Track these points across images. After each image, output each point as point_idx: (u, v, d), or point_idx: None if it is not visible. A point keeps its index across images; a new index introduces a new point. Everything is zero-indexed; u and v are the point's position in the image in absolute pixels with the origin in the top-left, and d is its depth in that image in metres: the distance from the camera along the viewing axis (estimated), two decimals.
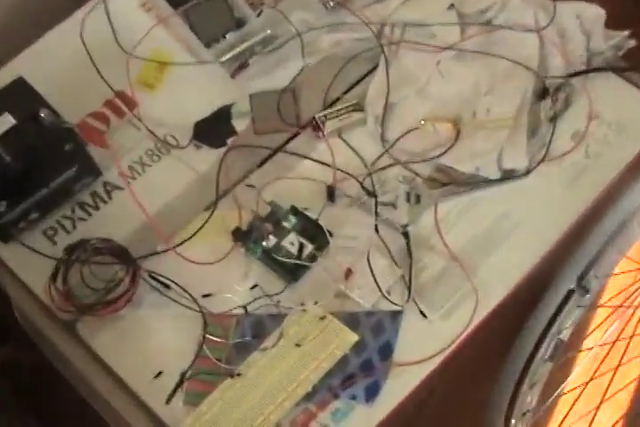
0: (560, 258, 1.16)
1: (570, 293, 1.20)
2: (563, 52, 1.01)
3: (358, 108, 0.99)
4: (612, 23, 1.05)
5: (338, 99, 1.01)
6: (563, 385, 1.24)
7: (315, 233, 0.90)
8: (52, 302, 0.86)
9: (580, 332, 1.29)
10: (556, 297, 1.22)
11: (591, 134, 1.00)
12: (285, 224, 0.91)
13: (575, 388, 1.26)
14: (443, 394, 1.14)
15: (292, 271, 0.89)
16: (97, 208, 0.94)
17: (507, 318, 1.01)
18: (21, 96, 0.82)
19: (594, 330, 1.29)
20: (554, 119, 0.99)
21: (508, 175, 0.96)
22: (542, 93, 0.99)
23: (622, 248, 1.21)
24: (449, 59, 1.01)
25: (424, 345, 0.89)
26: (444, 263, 0.93)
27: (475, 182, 0.96)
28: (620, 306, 1.23)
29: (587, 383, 1.26)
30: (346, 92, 1.01)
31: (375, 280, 0.88)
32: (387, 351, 0.88)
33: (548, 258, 0.95)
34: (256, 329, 0.88)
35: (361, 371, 0.87)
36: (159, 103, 0.99)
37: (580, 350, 1.30)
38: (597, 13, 1.04)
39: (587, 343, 1.31)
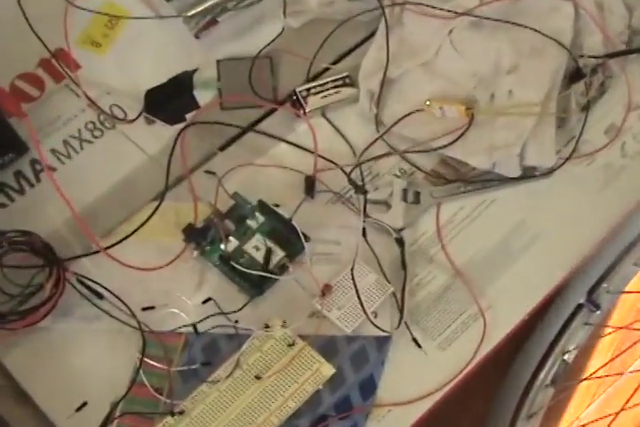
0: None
1: (578, 308, 1.07)
2: (601, 28, 0.86)
3: (349, 82, 0.85)
4: None
5: (325, 70, 0.86)
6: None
7: (287, 236, 0.75)
8: None
9: (585, 355, 1.18)
10: (562, 312, 1.09)
11: (629, 129, 0.87)
12: (250, 223, 0.76)
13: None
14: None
15: (255, 283, 0.74)
16: (21, 192, 0.79)
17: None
18: None
19: (618, 355, 1.18)
20: (586, 108, 0.85)
21: (527, 174, 0.82)
22: (574, 76, 0.85)
23: None
24: (464, 27, 0.85)
25: (416, 381, 0.75)
26: (446, 279, 0.79)
27: (487, 181, 0.82)
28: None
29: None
30: (335, 63, 0.87)
31: (359, 299, 0.73)
32: (369, 388, 0.74)
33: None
34: (207, 353, 0.73)
35: (336, 412, 0.73)
36: (106, 66, 0.85)
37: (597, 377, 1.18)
38: None
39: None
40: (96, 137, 0.81)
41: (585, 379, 1.19)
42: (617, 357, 1.19)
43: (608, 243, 1.02)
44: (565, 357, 1.07)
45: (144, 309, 0.73)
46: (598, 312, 1.04)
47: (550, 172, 0.82)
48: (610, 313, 1.19)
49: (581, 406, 1.19)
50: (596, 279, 1.03)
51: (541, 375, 1.07)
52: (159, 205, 0.75)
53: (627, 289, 1.06)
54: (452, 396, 0.75)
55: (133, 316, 0.72)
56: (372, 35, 0.87)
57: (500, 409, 1.09)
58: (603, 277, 1.04)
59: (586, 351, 1.17)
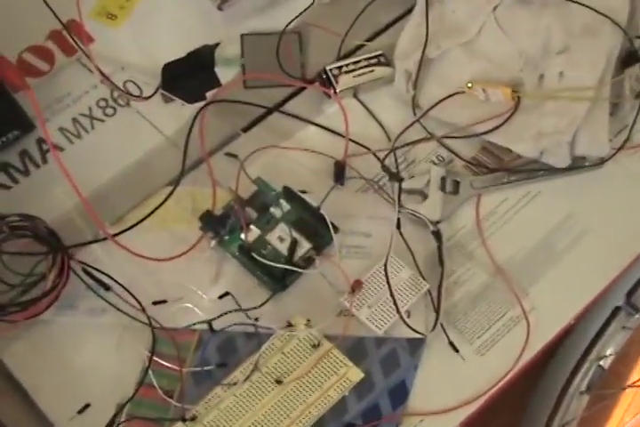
0: None
1: (616, 311, 1.06)
2: None
3: (384, 61, 0.80)
4: None
5: (358, 47, 0.82)
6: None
7: (314, 227, 0.70)
8: None
9: (623, 361, 1.13)
10: (599, 315, 1.07)
11: None
12: (274, 211, 0.71)
13: None
14: None
15: (278, 277, 0.69)
16: (26, 173, 0.75)
17: None
18: None
19: None
20: None
21: (575, 164, 0.77)
22: (629, 59, 0.79)
23: None
24: (510, 4, 0.80)
25: (452, 388, 0.70)
26: (486, 278, 0.73)
27: (532, 171, 0.77)
28: None
29: None
30: (369, 40, 0.82)
31: (392, 297, 0.68)
32: (400, 396, 0.68)
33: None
34: (223, 353, 0.68)
35: (364, 421, 0.67)
36: (121, 40, 0.81)
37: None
38: None
39: None
40: (108, 115, 0.77)
41: (624, 388, 1.14)
42: None
43: None
44: (602, 362, 1.05)
45: (155, 303, 0.68)
46: (637, 316, 1.02)
47: (601, 162, 0.77)
48: None
49: (618, 416, 1.14)
50: (635, 281, 1.02)
51: (576, 382, 1.05)
52: (174, 189, 0.71)
53: None
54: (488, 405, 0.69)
55: (143, 310, 0.67)
56: (410, 11, 0.82)
57: (532, 417, 1.08)
58: None
59: (624, 357, 1.12)
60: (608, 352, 1.04)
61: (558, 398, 1.04)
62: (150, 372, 0.65)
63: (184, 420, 0.63)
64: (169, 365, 0.66)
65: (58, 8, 0.76)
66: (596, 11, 0.76)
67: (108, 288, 0.67)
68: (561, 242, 0.75)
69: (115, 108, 0.77)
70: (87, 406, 0.65)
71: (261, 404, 0.64)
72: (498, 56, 0.78)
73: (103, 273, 0.67)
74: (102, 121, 0.76)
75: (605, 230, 0.76)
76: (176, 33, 0.80)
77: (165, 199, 0.69)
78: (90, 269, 0.67)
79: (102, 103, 0.77)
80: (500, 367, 0.69)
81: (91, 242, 0.68)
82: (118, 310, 0.66)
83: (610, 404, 1.12)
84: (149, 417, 0.64)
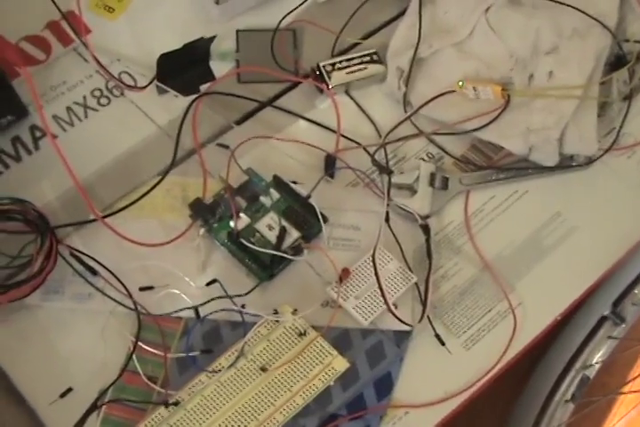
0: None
1: (602, 320, 1.05)
2: None
3: (377, 59, 0.80)
4: None
5: (352, 46, 0.82)
6: None
7: (303, 216, 0.70)
8: None
9: (609, 370, 1.13)
10: (585, 324, 1.07)
11: None
12: (264, 200, 0.71)
13: None
14: None
15: (266, 266, 0.68)
16: (18, 159, 0.75)
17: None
18: None
19: None
20: (628, 98, 0.81)
21: (564, 164, 0.77)
22: (617, 62, 0.80)
23: None
24: (501, 5, 0.80)
25: (437, 381, 0.69)
26: (474, 272, 0.73)
27: (521, 169, 0.77)
28: None
29: None
30: (363, 39, 0.83)
31: (380, 288, 0.67)
32: (385, 387, 0.68)
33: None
34: (208, 341, 0.67)
35: (348, 412, 0.67)
36: (118, 31, 0.82)
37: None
38: None
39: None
40: (102, 105, 0.77)
41: (608, 395, 1.13)
42: None
43: (637, 253, 0.98)
44: (587, 371, 1.05)
45: (142, 289, 0.67)
46: (623, 325, 1.02)
47: (589, 162, 0.77)
48: (636, 326, 1.14)
49: (602, 424, 1.14)
50: (621, 291, 1.02)
51: (561, 390, 1.04)
52: (163, 177, 0.70)
53: None
54: (473, 400, 0.69)
55: (129, 296, 0.66)
56: (404, 12, 0.83)
57: (517, 424, 1.07)
58: (629, 289, 1.02)
59: (609, 366, 1.11)
60: (594, 361, 1.04)
61: (543, 407, 1.03)
62: (134, 358, 0.65)
63: (166, 405, 0.62)
64: (154, 351, 0.65)
65: None
66: (586, 14, 0.77)
67: (95, 273, 0.67)
68: (548, 239, 0.75)
69: (109, 98, 0.77)
70: (69, 390, 0.65)
71: (245, 391, 0.63)
72: (489, 56, 0.78)
73: (91, 258, 0.67)
74: (96, 110, 0.76)
75: (592, 229, 0.76)
76: (172, 26, 0.80)
77: (155, 185, 0.69)
78: (78, 254, 0.67)
79: (97, 93, 0.77)
80: (486, 362, 0.69)
81: (79, 223, 0.68)
82: (105, 295, 0.66)
83: (595, 412, 1.12)
84: (132, 400, 0.63)
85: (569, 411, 1.04)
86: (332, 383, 0.65)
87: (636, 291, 1.02)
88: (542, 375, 1.07)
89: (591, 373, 1.04)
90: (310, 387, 0.64)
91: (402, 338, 0.68)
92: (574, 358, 1.04)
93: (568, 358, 1.04)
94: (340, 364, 0.65)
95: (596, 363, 1.04)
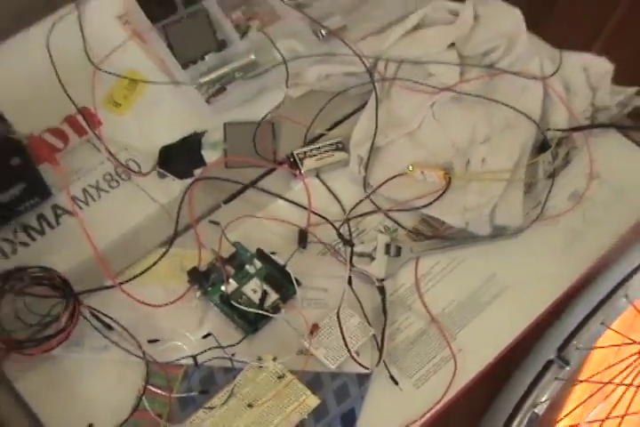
0: (541, 326, 1.09)
1: (548, 363, 1.12)
2: (566, 106, 0.96)
3: (341, 147, 0.93)
4: (619, 79, 1.01)
5: (320, 136, 0.95)
6: None
7: (281, 281, 0.83)
8: None
9: (556, 407, 1.21)
10: (533, 367, 1.14)
11: (590, 197, 0.96)
12: (249, 268, 0.83)
13: None
14: None
15: (251, 322, 0.81)
16: (42, 233, 0.86)
17: (477, 390, 0.93)
18: None
19: (577, 406, 1.22)
20: (552, 176, 0.94)
21: (498, 233, 0.90)
22: (542, 147, 0.93)
23: (607, 320, 1.15)
24: (445, 102, 0.95)
25: (392, 415, 0.82)
26: (422, 325, 0.86)
27: (461, 238, 0.90)
28: (609, 383, 1.17)
29: None
30: (329, 130, 0.95)
31: (344, 339, 0.80)
32: (350, 420, 0.80)
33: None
34: (205, 383, 0.79)
35: None
36: (125, 124, 0.94)
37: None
38: (605, 68, 1.00)
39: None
40: (112, 187, 0.89)
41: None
42: (576, 408, 1.21)
43: (576, 304, 1.08)
44: (536, 409, 1.11)
45: (150, 341, 0.79)
46: (568, 368, 1.09)
47: (518, 232, 0.90)
48: (580, 368, 1.22)
49: None
50: (565, 337, 1.09)
51: (513, 425, 1.10)
52: (168, 249, 0.83)
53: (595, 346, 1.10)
54: None
55: (139, 347, 0.78)
56: (363, 106, 0.96)
57: None
58: (572, 335, 1.09)
59: (556, 404, 1.20)
60: (542, 400, 1.10)
61: None
62: (144, 398, 0.77)
63: None
64: (160, 392, 0.77)
65: (73, 96, 0.90)
66: (515, 109, 0.92)
67: (110, 328, 0.79)
68: (484, 297, 0.88)
69: (118, 182, 0.89)
70: (90, 425, 0.76)
71: (235, 424, 0.76)
72: (434, 145, 0.92)
73: (107, 316, 0.79)
74: (107, 192, 0.88)
75: (521, 287, 0.88)
76: (171, 120, 0.93)
77: (161, 256, 0.82)
78: (96, 313, 0.79)
79: (108, 177, 0.89)
80: (432, 398, 0.82)
81: (98, 289, 0.81)
82: (119, 346, 0.78)
83: None
84: None
85: None
86: (305, 417, 0.78)
87: (578, 337, 1.09)
88: (496, 413, 1.12)
89: (540, 410, 1.11)
90: (288, 420, 0.77)
91: (363, 380, 0.81)
92: (525, 397, 1.10)
93: (519, 398, 1.10)
94: (313, 401, 0.78)
95: (545, 400, 1.12)
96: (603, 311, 1.09)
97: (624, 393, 1.19)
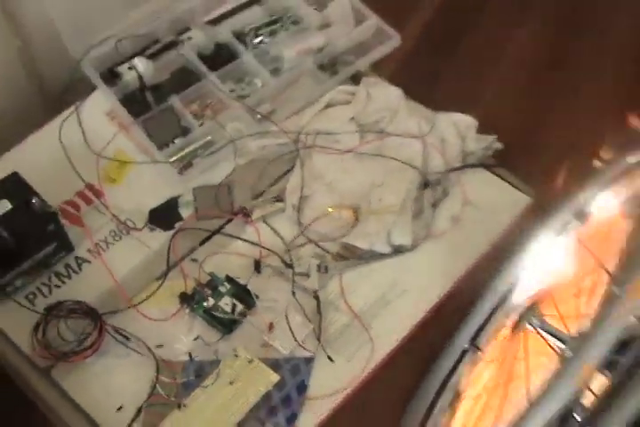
0: (455, 324, 1.30)
1: (464, 352, 1.31)
2: (442, 153, 1.24)
3: (279, 199, 1.20)
4: (482, 129, 1.28)
5: (263, 192, 1.22)
6: None
7: (245, 296, 1.12)
8: (34, 350, 1.05)
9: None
10: (453, 355, 1.32)
11: (465, 217, 1.22)
12: (221, 289, 1.12)
13: None
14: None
15: (226, 325, 1.10)
16: (69, 277, 1.13)
17: (406, 370, 1.22)
18: (16, 186, 1.03)
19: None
20: (435, 205, 1.22)
21: (398, 250, 1.18)
22: (425, 185, 1.22)
23: (507, 314, 1.31)
24: (351, 159, 1.23)
25: (332, 383, 1.08)
26: (347, 320, 1.13)
27: (371, 256, 1.17)
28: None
29: None
30: (270, 186, 1.22)
31: (292, 333, 1.08)
32: (302, 388, 1.08)
33: (445, 321, 1.18)
34: (198, 371, 1.08)
35: (282, 404, 1.07)
36: (120, 194, 1.20)
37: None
38: (470, 122, 1.28)
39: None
40: (116, 240, 1.17)
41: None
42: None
43: (481, 304, 1.30)
44: (459, 387, 1.28)
45: (157, 346, 1.08)
46: (479, 353, 1.28)
47: (413, 248, 1.18)
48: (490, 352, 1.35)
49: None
50: (475, 330, 1.28)
51: (439, 403, 1.30)
52: (163, 281, 1.13)
53: (500, 335, 1.28)
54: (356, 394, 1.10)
55: (150, 351, 1.07)
56: (293, 167, 1.23)
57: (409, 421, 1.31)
58: (480, 329, 1.28)
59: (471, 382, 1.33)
60: (462, 378, 1.28)
61: (427, 413, 1.28)
62: (157, 386, 1.05)
63: (179, 407, 1.05)
64: (167, 380, 1.06)
65: (83, 173, 1.17)
66: (401, 161, 1.22)
67: (128, 339, 1.08)
68: (390, 297, 1.16)
69: (120, 236, 1.16)
70: (121, 407, 1.05)
71: (222, 396, 1.06)
72: (345, 191, 1.21)
73: (125, 331, 1.08)
74: (113, 244, 1.16)
75: (417, 289, 1.16)
76: (153, 189, 1.19)
77: (159, 286, 1.12)
78: (117, 329, 1.08)
79: (112, 233, 1.16)
80: (358, 369, 1.09)
81: (116, 311, 1.09)
82: (135, 351, 1.07)
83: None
84: (159, 408, 1.05)
85: (447, 416, 1.29)
86: (270, 388, 1.07)
87: (486, 330, 1.27)
88: (424, 391, 1.32)
89: (462, 387, 1.29)
90: (258, 392, 1.07)
91: (309, 360, 1.09)
92: (448, 378, 1.29)
93: (442, 379, 1.30)
94: (274, 378, 1.08)
95: (464, 380, 1.28)
96: (503, 309, 1.27)
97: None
